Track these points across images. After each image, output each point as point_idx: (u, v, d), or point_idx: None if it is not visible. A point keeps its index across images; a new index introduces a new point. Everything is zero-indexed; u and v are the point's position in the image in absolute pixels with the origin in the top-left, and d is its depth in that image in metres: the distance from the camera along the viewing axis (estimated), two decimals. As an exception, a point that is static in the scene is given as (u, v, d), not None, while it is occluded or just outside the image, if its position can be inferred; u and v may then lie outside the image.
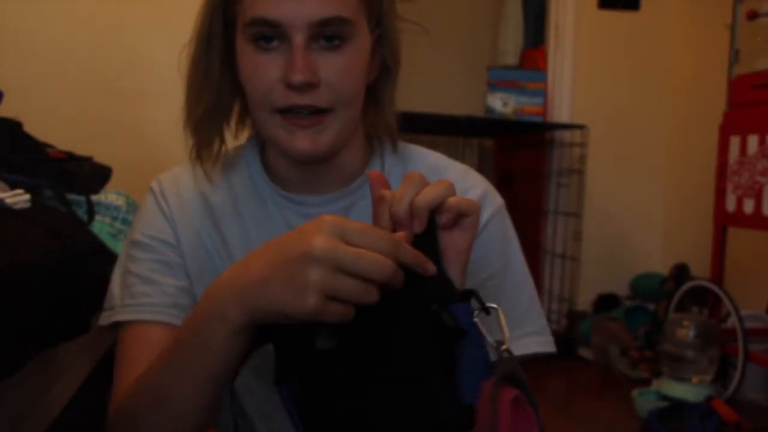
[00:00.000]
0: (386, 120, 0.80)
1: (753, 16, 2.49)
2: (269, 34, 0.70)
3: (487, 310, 0.57)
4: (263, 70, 0.71)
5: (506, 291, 0.81)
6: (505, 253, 0.83)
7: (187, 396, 0.63)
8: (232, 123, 0.84)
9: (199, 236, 0.81)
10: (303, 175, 0.80)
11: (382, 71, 0.79)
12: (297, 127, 0.72)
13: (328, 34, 0.69)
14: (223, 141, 0.81)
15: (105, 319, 0.81)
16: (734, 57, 2.60)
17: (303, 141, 0.72)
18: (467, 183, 0.83)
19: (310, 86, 0.69)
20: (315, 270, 0.52)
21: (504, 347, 0.56)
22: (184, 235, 0.81)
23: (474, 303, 0.58)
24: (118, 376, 0.76)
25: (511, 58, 3.76)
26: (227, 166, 0.84)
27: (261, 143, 0.85)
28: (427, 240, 0.58)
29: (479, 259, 0.77)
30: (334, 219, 0.54)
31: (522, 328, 0.81)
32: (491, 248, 0.81)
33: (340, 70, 0.70)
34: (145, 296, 0.78)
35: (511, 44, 3.77)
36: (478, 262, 0.78)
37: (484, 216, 0.81)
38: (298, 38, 0.68)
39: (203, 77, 0.76)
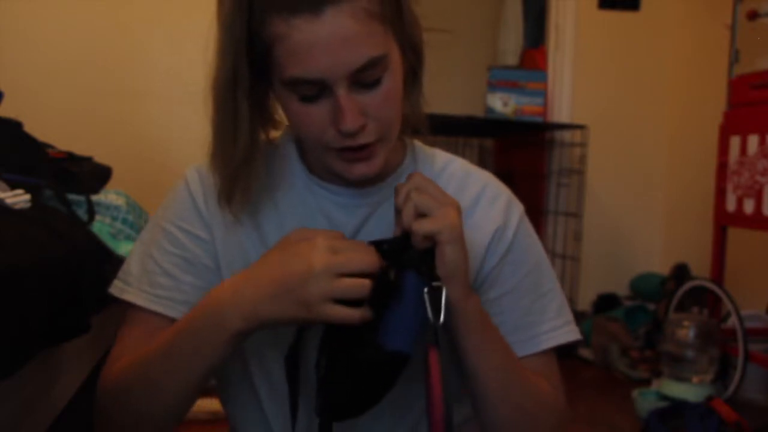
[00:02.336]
0: (414, 115, 0.83)
1: (753, 16, 2.49)
2: (311, 92, 0.70)
3: (432, 280, 0.69)
4: (312, 119, 0.72)
5: (544, 285, 0.87)
6: (535, 251, 0.88)
7: (176, 386, 0.73)
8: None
9: (234, 225, 0.82)
10: None
11: (409, 73, 0.80)
12: (353, 159, 0.75)
13: (367, 80, 0.70)
14: (255, 185, 0.80)
15: (117, 290, 0.83)
16: (734, 57, 2.60)
17: (360, 169, 0.75)
18: (492, 191, 0.88)
19: (360, 129, 0.72)
20: (317, 284, 0.65)
21: (441, 322, 0.68)
22: (218, 225, 0.82)
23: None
24: (114, 352, 0.81)
25: (511, 58, 3.76)
26: (266, 155, 0.84)
27: (297, 136, 0.86)
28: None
29: (516, 260, 0.85)
30: (324, 240, 0.67)
31: (562, 317, 0.87)
32: (525, 248, 0.86)
33: (382, 103, 0.72)
34: (163, 289, 0.80)
35: (511, 44, 3.77)
36: (516, 263, 0.85)
37: (514, 221, 0.86)
38: (341, 90, 0.69)
39: (233, 124, 0.74)
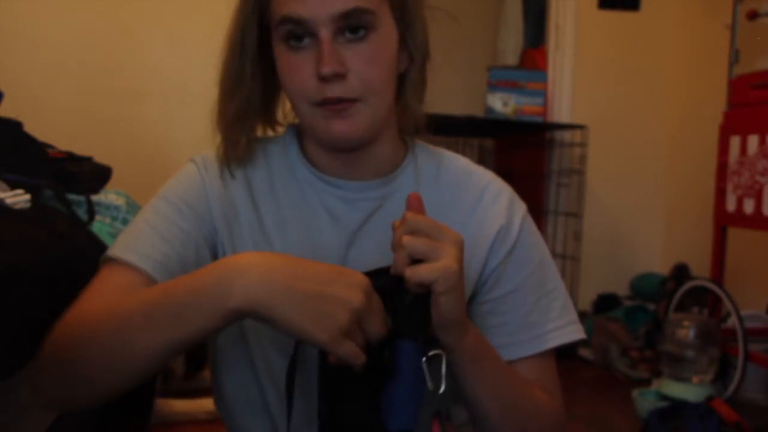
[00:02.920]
0: (411, 111, 0.84)
1: (753, 16, 2.49)
2: (298, 32, 0.74)
3: (429, 358, 0.67)
4: (297, 68, 0.75)
5: (548, 284, 0.87)
6: (539, 249, 0.88)
7: (148, 347, 0.64)
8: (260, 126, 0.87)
9: (237, 218, 0.82)
10: (340, 163, 0.83)
11: (412, 68, 0.83)
12: (332, 113, 0.76)
13: (352, 25, 0.74)
14: (249, 142, 0.83)
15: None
16: (734, 57, 2.60)
17: (339, 125, 0.76)
18: (495, 189, 0.88)
19: (338, 77, 0.74)
20: (348, 316, 0.62)
21: (441, 391, 0.66)
22: (219, 216, 0.81)
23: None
24: (82, 299, 0.74)
25: (511, 58, 3.76)
26: (267, 151, 0.87)
27: (299, 131, 0.87)
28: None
29: (520, 258, 0.85)
30: (368, 283, 0.65)
31: (566, 317, 0.87)
32: (528, 246, 0.86)
33: (366, 59, 0.75)
34: (154, 250, 0.76)
35: (511, 44, 3.77)
36: (520, 261, 0.85)
37: (517, 219, 0.86)
38: (324, 32, 0.73)
39: (235, 81, 0.79)
